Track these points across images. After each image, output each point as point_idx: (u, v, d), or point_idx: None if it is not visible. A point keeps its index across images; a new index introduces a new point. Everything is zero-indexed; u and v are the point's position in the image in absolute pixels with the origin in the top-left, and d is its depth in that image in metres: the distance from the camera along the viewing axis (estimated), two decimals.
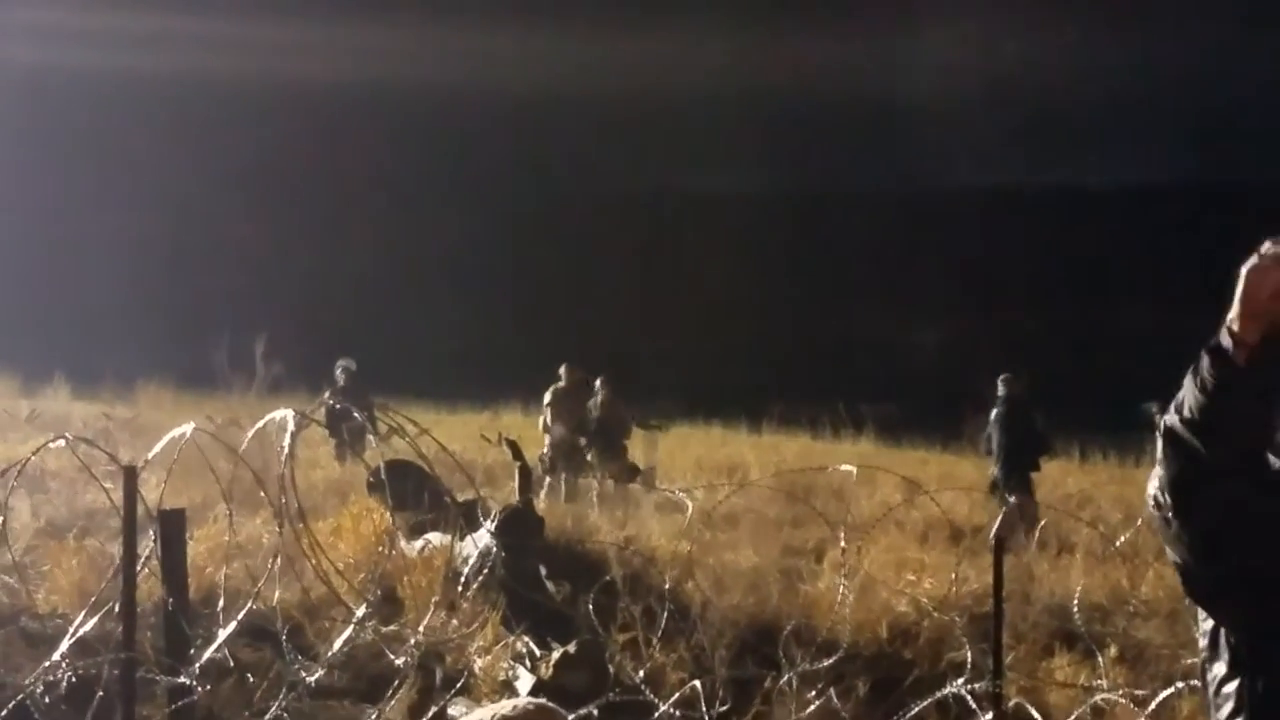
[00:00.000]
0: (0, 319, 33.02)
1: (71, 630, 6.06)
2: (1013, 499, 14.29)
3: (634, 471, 16.94)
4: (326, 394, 16.66)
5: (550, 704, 5.90)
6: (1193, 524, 3.07)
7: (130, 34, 51.66)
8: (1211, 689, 3.28)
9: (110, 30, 51.17)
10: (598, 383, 17.50)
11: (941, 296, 52.52)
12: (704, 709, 6.92)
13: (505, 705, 5.85)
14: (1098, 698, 7.32)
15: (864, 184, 59.79)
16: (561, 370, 17.85)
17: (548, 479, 16.95)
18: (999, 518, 13.81)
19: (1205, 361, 2.99)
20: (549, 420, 17.59)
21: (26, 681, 5.84)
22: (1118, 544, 11.37)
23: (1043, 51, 57.32)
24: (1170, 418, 3.06)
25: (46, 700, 6.05)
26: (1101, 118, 59.81)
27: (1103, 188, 57.53)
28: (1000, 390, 15.83)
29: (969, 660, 7.19)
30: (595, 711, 6.79)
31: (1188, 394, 3.03)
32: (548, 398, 17.66)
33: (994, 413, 15.81)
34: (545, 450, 17.43)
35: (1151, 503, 3.15)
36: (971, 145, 59.31)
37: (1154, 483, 3.14)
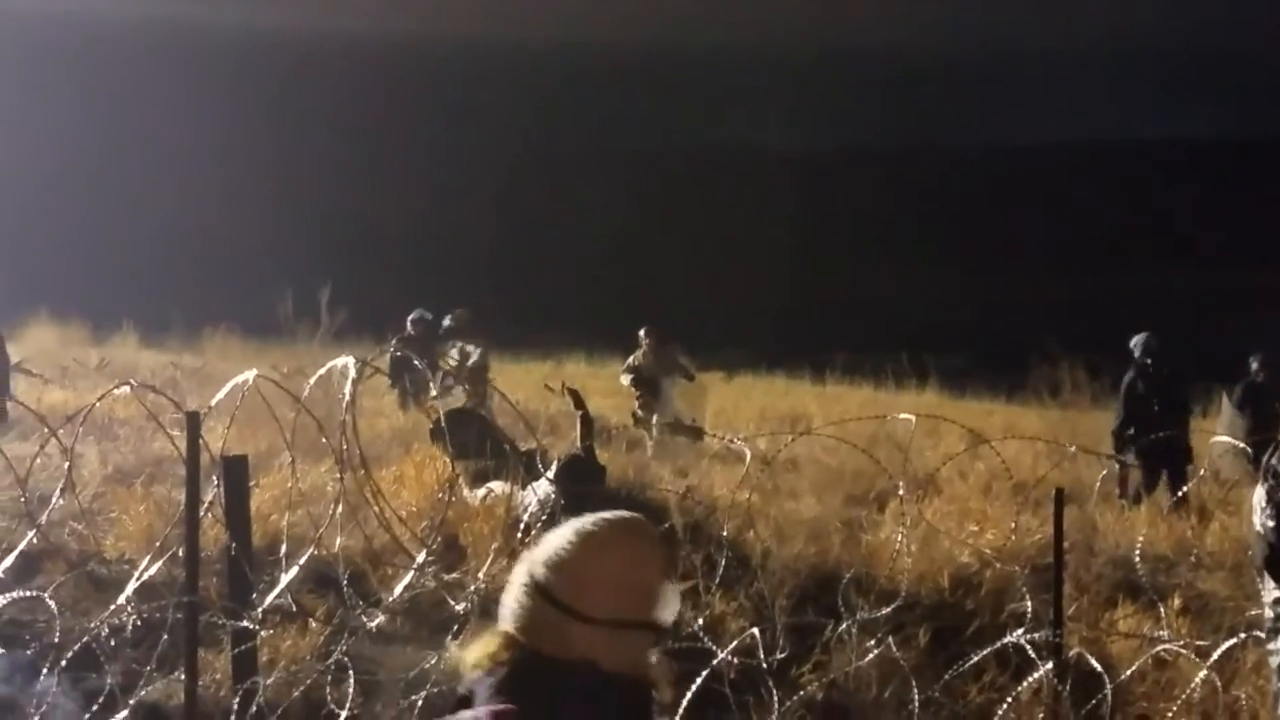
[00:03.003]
0: (71, 267, 33.44)
1: (137, 575, 6.14)
2: (1128, 458, 13.61)
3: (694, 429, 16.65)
4: (391, 342, 16.70)
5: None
6: None
7: None
8: (1276, 659, 3.31)
9: None
10: (641, 333, 17.18)
11: (1005, 250, 52.15)
12: (763, 656, 6.92)
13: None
14: (1160, 648, 7.25)
15: (933, 139, 59.47)
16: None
17: None
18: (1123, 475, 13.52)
19: None
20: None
21: (93, 624, 5.93)
22: (1182, 493, 11.28)
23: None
24: None
25: (112, 643, 6.15)
26: (1192, 72, 59.11)
27: (1182, 142, 56.92)
28: (1138, 351, 14.69)
29: (1030, 611, 7.15)
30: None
31: None
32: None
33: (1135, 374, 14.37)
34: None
35: (1260, 527, 3.19)
36: (1047, 100, 58.76)
37: (1260, 513, 3.17)
